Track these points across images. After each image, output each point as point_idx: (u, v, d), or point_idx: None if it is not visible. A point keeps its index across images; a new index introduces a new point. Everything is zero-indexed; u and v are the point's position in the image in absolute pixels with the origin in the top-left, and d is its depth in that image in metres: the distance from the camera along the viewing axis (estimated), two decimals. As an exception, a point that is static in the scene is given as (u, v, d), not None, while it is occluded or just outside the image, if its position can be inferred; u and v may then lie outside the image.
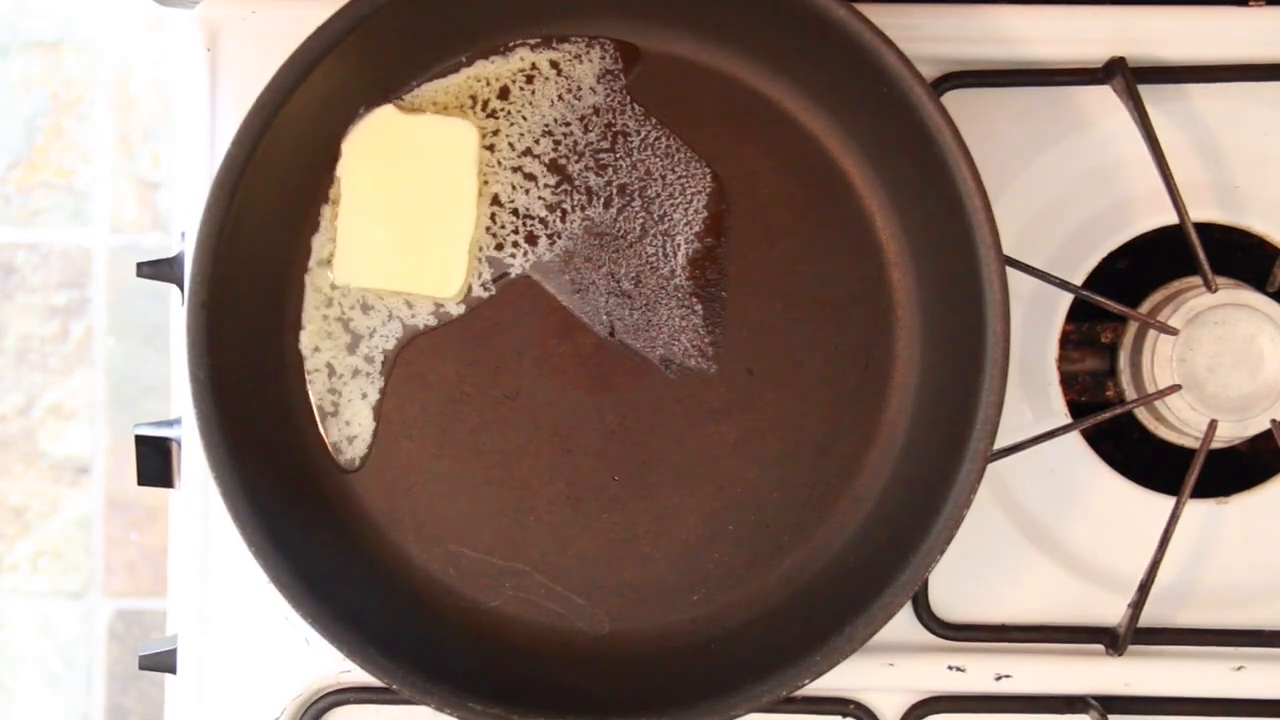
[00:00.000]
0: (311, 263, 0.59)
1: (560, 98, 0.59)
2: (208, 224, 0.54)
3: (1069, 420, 0.61)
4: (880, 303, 0.59)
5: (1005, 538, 0.62)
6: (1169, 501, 0.59)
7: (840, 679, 0.58)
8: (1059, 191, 0.62)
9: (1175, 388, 0.58)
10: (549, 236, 0.59)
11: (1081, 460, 0.62)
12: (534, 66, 0.59)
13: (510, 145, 0.59)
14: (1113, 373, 0.64)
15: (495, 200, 0.59)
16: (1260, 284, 0.62)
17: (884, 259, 0.59)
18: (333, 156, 0.58)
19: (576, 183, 0.59)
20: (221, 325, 0.55)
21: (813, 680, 0.54)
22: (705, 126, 0.59)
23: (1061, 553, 0.62)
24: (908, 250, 0.59)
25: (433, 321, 0.59)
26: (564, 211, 0.59)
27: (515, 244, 0.59)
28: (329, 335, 0.59)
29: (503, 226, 0.59)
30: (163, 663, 0.62)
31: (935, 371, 0.58)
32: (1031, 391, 0.62)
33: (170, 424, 0.64)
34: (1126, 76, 0.59)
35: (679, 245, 0.59)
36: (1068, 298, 0.62)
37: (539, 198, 0.59)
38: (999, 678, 0.61)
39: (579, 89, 0.59)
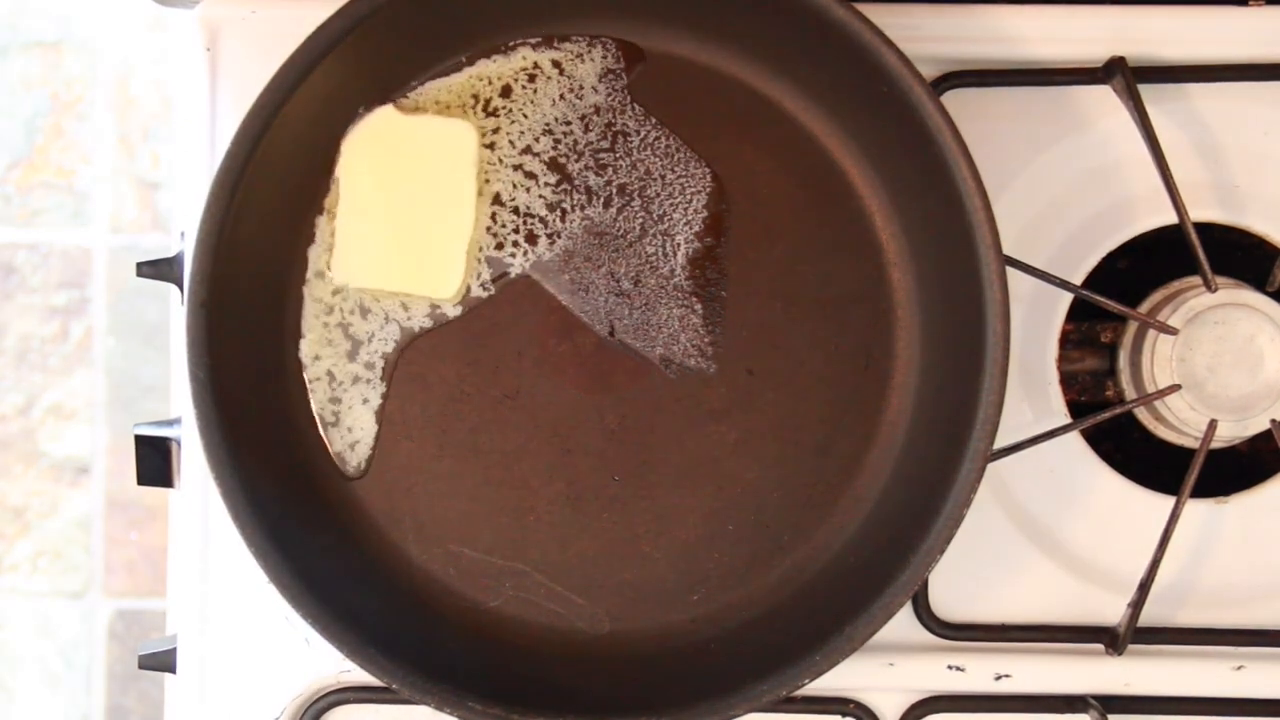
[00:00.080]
0: (310, 273, 0.59)
1: (562, 97, 0.59)
2: (208, 224, 0.54)
3: (1069, 420, 0.61)
4: (880, 303, 0.59)
5: (1005, 538, 0.62)
6: (1169, 501, 0.59)
7: (840, 679, 0.58)
8: (1059, 191, 0.62)
9: (1175, 388, 0.58)
10: (549, 236, 0.59)
11: (1081, 460, 0.62)
12: (536, 65, 0.59)
13: (510, 143, 0.59)
14: (1113, 372, 0.64)
15: (496, 199, 0.59)
16: (1260, 284, 0.62)
17: (884, 259, 0.59)
18: (332, 156, 0.58)
19: (576, 182, 0.59)
20: (221, 325, 0.55)
21: (813, 680, 0.54)
22: (705, 126, 0.59)
23: (1061, 553, 0.62)
24: (908, 250, 0.59)
25: (428, 324, 0.59)
26: (564, 211, 0.59)
27: (515, 243, 0.59)
28: (329, 343, 0.59)
29: (503, 226, 0.59)
30: (163, 663, 0.62)
31: (935, 371, 0.58)
32: (1031, 391, 0.62)
33: (170, 424, 0.64)
34: (1126, 76, 0.59)
35: (679, 245, 0.59)
36: (1068, 297, 0.62)
37: (539, 196, 0.59)
38: (999, 677, 0.61)
39: (580, 88, 0.59)
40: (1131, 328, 0.62)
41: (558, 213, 0.59)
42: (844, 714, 0.61)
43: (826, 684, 0.56)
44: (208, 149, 0.61)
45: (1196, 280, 0.60)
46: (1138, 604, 0.59)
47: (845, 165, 0.59)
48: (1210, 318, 0.58)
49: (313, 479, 0.59)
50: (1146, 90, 0.59)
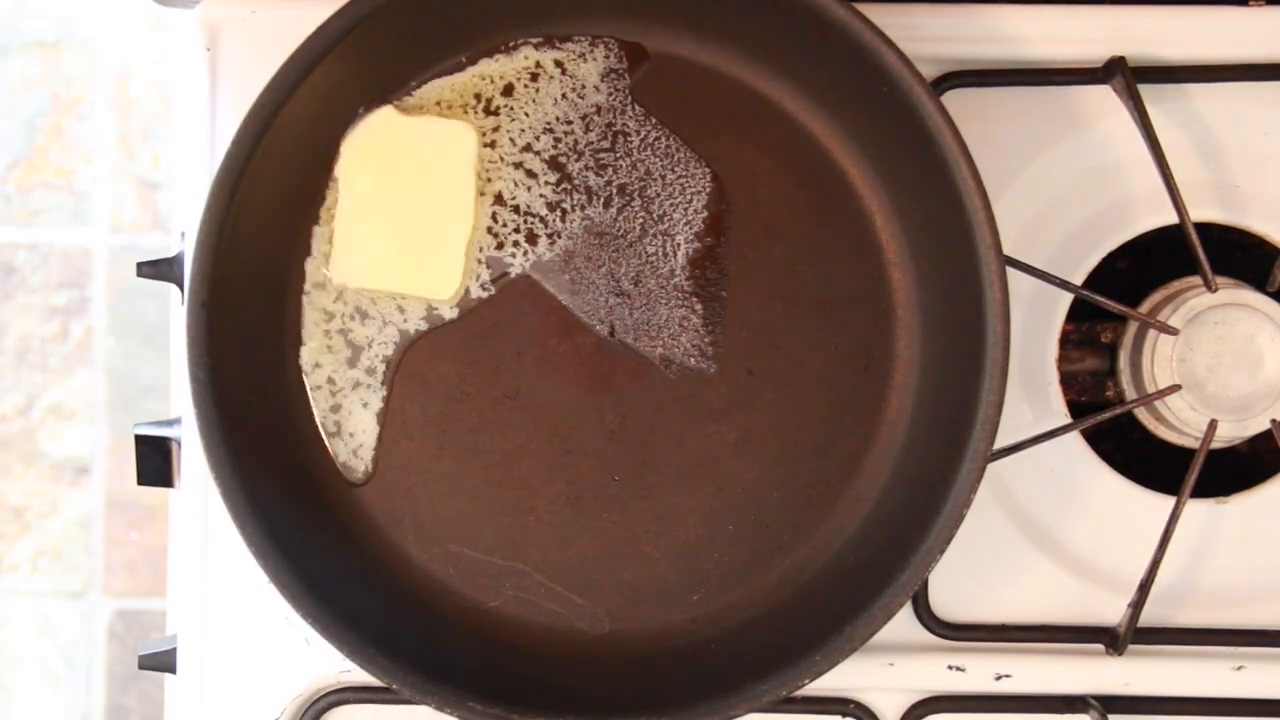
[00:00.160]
0: (309, 285, 0.59)
1: (564, 96, 0.59)
2: (208, 224, 0.54)
3: (1069, 420, 0.61)
4: (880, 303, 0.59)
5: (1005, 538, 0.62)
6: (1169, 501, 0.59)
7: (840, 679, 0.58)
8: (1059, 191, 0.62)
9: (1175, 388, 0.58)
10: (549, 236, 0.59)
11: (1081, 460, 0.62)
12: (538, 65, 0.59)
13: (511, 140, 0.59)
14: (1113, 373, 0.64)
15: (498, 198, 0.59)
16: (1260, 284, 0.62)
17: (884, 259, 0.59)
18: (332, 157, 0.58)
19: (576, 182, 0.59)
20: (221, 325, 0.55)
21: (813, 680, 0.54)
22: (705, 126, 0.59)
23: (1061, 553, 0.62)
24: (908, 250, 0.59)
25: (424, 326, 0.59)
26: (564, 211, 0.59)
27: (516, 243, 0.59)
28: (330, 350, 0.59)
29: (504, 225, 0.59)
30: (163, 663, 0.62)
31: (935, 371, 0.58)
32: (1031, 391, 0.62)
33: (170, 424, 0.64)
34: (1126, 76, 0.59)
35: (679, 245, 0.59)
36: (1068, 298, 0.62)
37: (540, 195, 0.59)
38: (999, 677, 0.61)
39: (582, 87, 0.59)
40: (1131, 328, 0.62)
41: (558, 212, 0.59)
42: (844, 714, 0.61)
43: (826, 684, 0.56)
44: (208, 149, 0.61)
45: (1196, 280, 0.60)
46: (1138, 604, 0.59)
47: (845, 165, 0.59)
48: (1210, 318, 0.58)
49: (313, 479, 0.59)
50: (1146, 90, 0.59)
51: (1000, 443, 0.55)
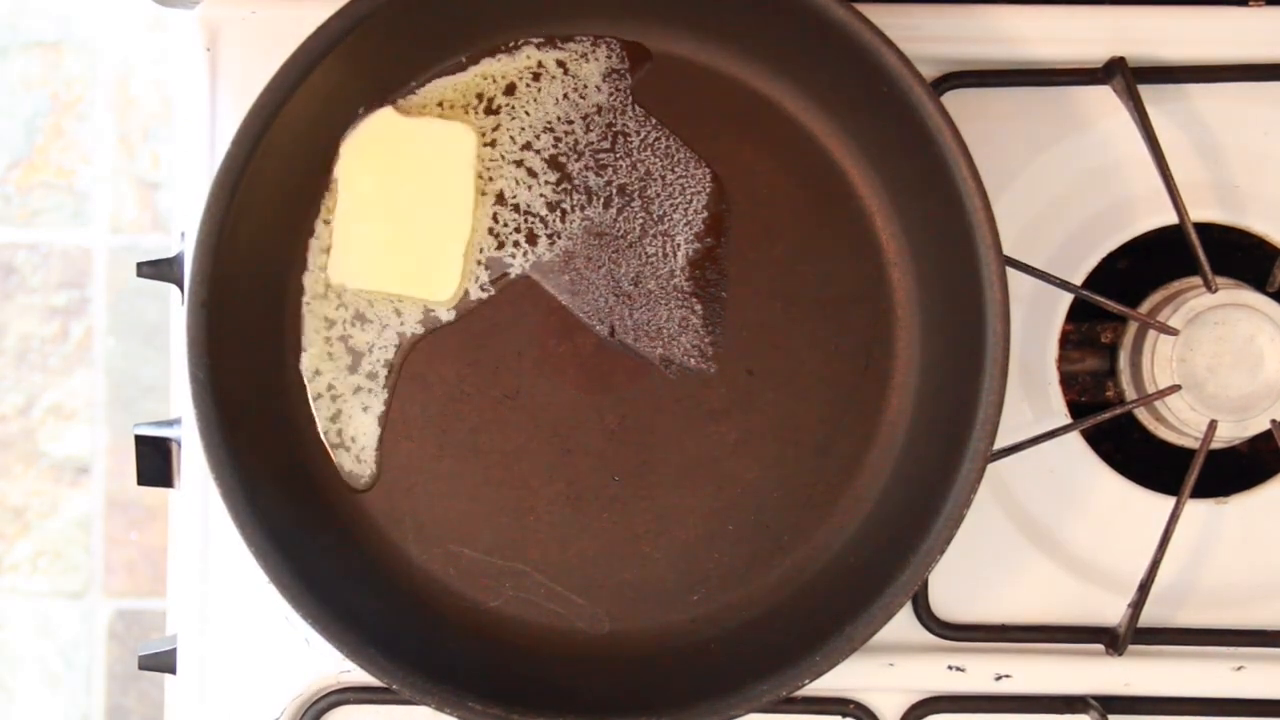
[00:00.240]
0: (308, 297, 0.59)
1: (565, 96, 0.59)
2: (208, 224, 0.54)
3: (1069, 420, 0.61)
4: (880, 303, 0.59)
5: (1005, 538, 0.62)
6: (1169, 501, 0.59)
7: (840, 679, 0.58)
8: (1059, 191, 0.62)
9: (1175, 388, 0.58)
10: (549, 236, 0.59)
11: (1081, 460, 0.62)
12: (540, 64, 0.59)
13: (511, 138, 0.59)
14: (1113, 373, 0.64)
15: (499, 197, 0.59)
16: (1260, 284, 0.62)
17: (884, 259, 0.59)
18: (332, 157, 0.58)
19: (576, 182, 0.59)
20: (221, 325, 0.55)
21: (813, 680, 0.54)
22: (705, 126, 0.59)
23: (1061, 553, 0.62)
24: (908, 250, 0.59)
25: (420, 330, 0.59)
26: (564, 211, 0.59)
27: (516, 243, 0.59)
28: (330, 358, 0.59)
29: (505, 225, 0.59)
30: (163, 663, 0.62)
31: (935, 371, 0.58)
32: (1031, 391, 0.62)
33: (170, 424, 0.64)
34: (1126, 76, 0.59)
35: (679, 245, 0.59)
36: (1068, 298, 0.62)
37: (540, 195, 0.59)
38: (999, 678, 0.61)
39: (584, 87, 0.59)
40: (1132, 328, 0.62)
41: (558, 213, 0.59)
42: (844, 714, 0.61)
43: (826, 684, 0.56)
44: (208, 149, 0.61)
45: (1196, 280, 0.60)
46: (1138, 604, 0.59)
47: (845, 165, 0.59)
48: (1210, 318, 0.58)
49: (313, 479, 0.59)
50: (1146, 90, 0.59)
51: (1000, 443, 0.55)
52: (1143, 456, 0.64)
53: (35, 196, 1.34)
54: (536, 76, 0.59)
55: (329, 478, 0.59)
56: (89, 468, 1.34)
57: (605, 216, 0.59)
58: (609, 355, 0.59)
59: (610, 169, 0.59)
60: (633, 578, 0.59)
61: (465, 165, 0.59)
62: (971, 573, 0.61)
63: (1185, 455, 0.62)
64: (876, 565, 0.56)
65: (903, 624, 0.61)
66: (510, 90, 0.59)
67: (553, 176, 0.59)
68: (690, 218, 0.59)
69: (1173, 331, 0.59)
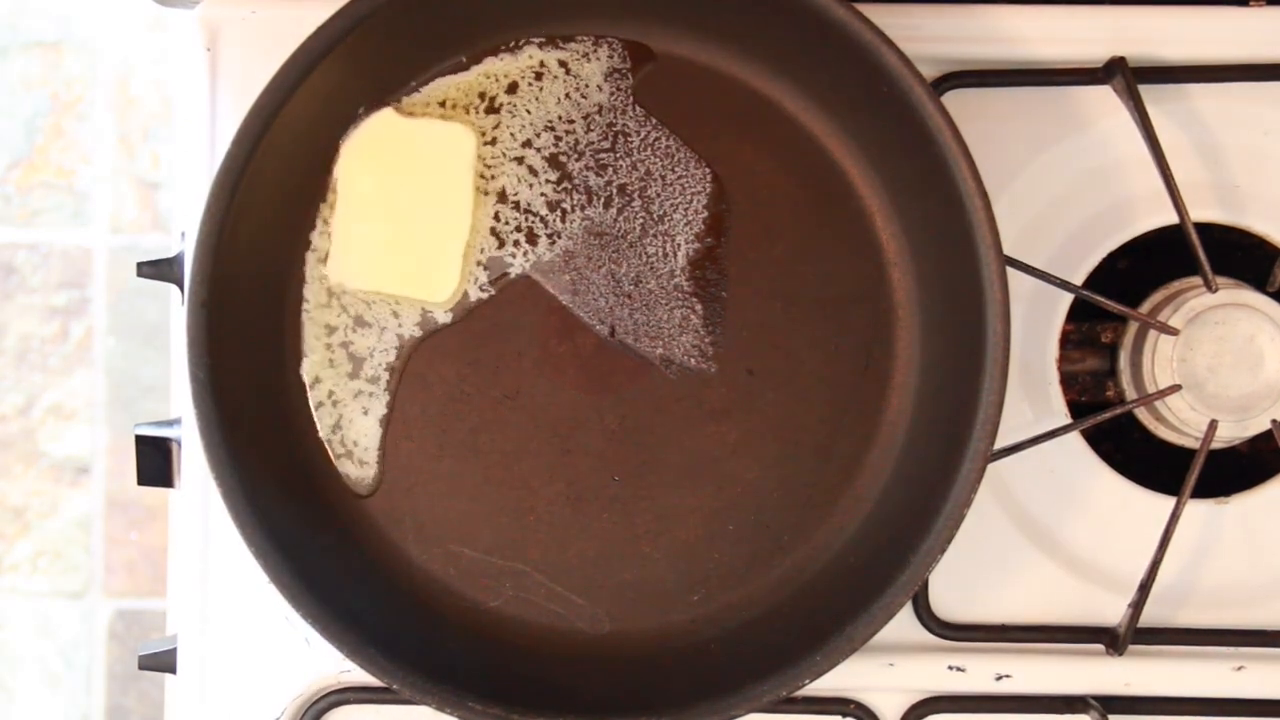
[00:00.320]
0: (309, 306, 0.59)
1: (567, 95, 0.59)
2: (208, 224, 0.54)
3: (1069, 420, 0.61)
4: (880, 303, 0.59)
5: (1005, 538, 0.62)
6: (1169, 501, 0.59)
7: (840, 679, 0.58)
8: (1059, 191, 0.62)
9: (1175, 388, 0.58)
10: (549, 236, 0.59)
11: (1081, 460, 0.62)
12: (543, 64, 0.59)
13: (512, 135, 0.59)
14: (1113, 373, 0.64)
15: (501, 195, 0.59)
16: (1260, 284, 0.62)
17: (884, 259, 0.59)
18: (332, 157, 0.58)
19: (576, 181, 0.59)
20: (221, 325, 0.55)
21: (813, 680, 0.54)
22: (705, 126, 0.59)
23: (1061, 553, 0.62)
24: (908, 250, 0.59)
25: (418, 332, 0.59)
26: (564, 211, 0.59)
27: (516, 242, 0.59)
28: (331, 364, 0.59)
29: (506, 223, 0.59)
30: (163, 663, 0.62)
31: (935, 371, 0.58)
32: (1031, 391, 0.62)
33: (170, 424, 0.64)
34: (1126, 76, 0.59)
35: (679, 245, 0.59)
36: (1068, 298, 0.62)
37: (540, 194, 0.59)
38: (999, 678, 0.61)
39: (585, 87, 0.59)
40: (1132, 328, 0.62)
41: (558, 212, 0.59)
42: (844, 714, 0.61)
43: (826, 684, 0.56)
44: (208, 149, 0.61)
45: (1197, 280, 0.60)
46: (1138, 604, 0.59)
47: (845, 165, 0.59)
48: (1210, 318, 0.58)
49: (313, 479, 0.59)
50: (1146, 90, 0.59)
51: (1000, 443, 0.55)
52: (1143, 456, 0.64)
53: (35, 196, 1.34)
54: (539, 76, 0.59)
55: (329, 478, 0.59)
56: (89, 468, 1.34)
57: (605, 216, 0.59)
58: (609, 355, 0.59)
59: (610, 169, 0.59)
60: (633, 578, 0.59)
61: (465, 166, 0.59)
62: (971, 573, 0.61)
63: (1185, 455, 0.62)
64: (876, 565, 0.56)
65: (903, 624, 0.61)
66: (513, 89, 0.59)
67: (553, 175, 0.59)
68: (690, 218, 0.59)
69: (1173, 331, 0.59)
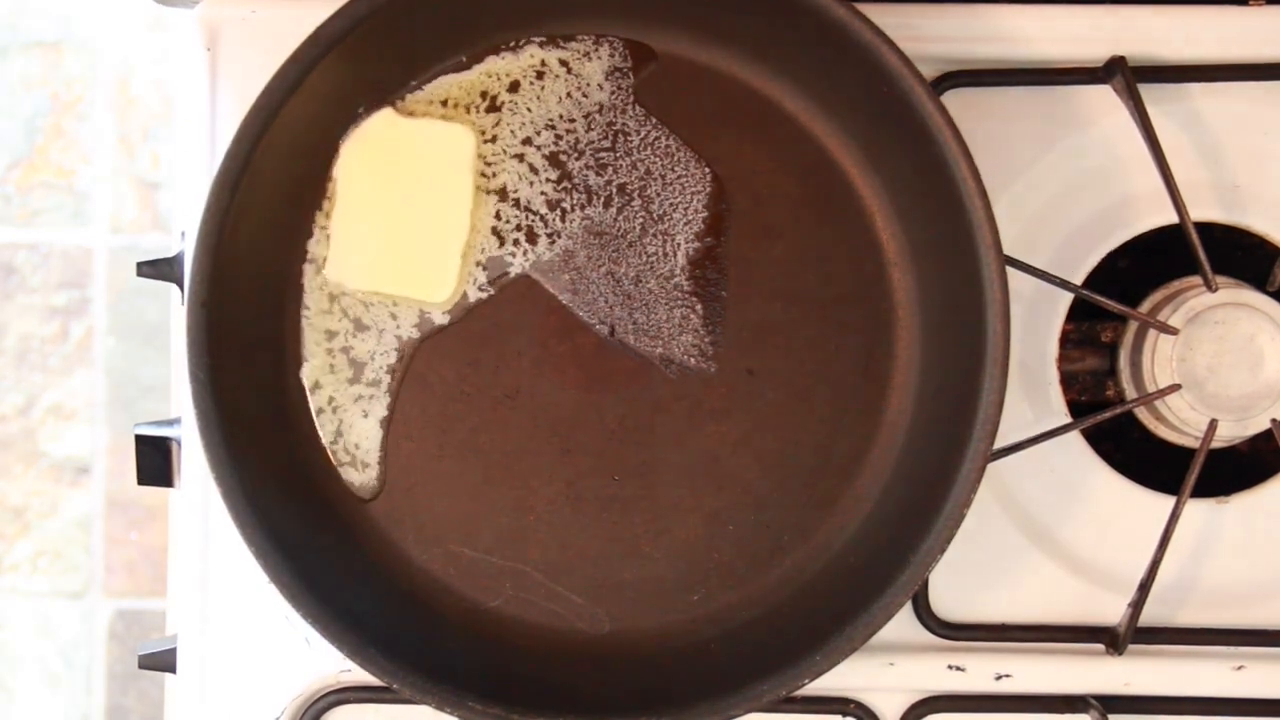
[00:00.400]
0: (310, 312, 0.59)
1: (569, 94, 0.59)
2: (208, 224, 0.54)
3: (1069, 420, 0.61)
4: (880, 303, 0.59)
5: (1005, 538, 0.62)
6: (1169, 501, 0.59)
7: (840, 679, 0.58)
8: (1059, 191, 0.62)
9: (1175, 387, 0.58)
10: (549, 235, 0.59)
11: (1081, 460, 0.62)
12: (544, 63, 0.59)
13: (512, 133, 0.59)
14: (1113, 372, 0.64)
15: (501, 193, 0.59)
16: (1260, 284, 0.62)
17: (884, 259, 0.59)
18: (332, 157, 0.58)
19: (576, 181, 0.59)
20: (221, 325, 0.55)
21: (813, 680, 0.54)
22: (705, 126, 0.59)
23: (1061, 553, 0.62)
24: (908, 250, 0.59)
25: (416, 334, 0.59)
26: (564, 210, 0.59)
27: (516, 241, 0.59)
28: (332, 370, 0.59)
29: (506, 222, 0.59)
30: (163, 663, 0.62)
31: (935, 371, 0.58)
32: (1031, 391, 0.62)
33: (170, 424, 0.64)
34: (1126, 76, 0.59)
35: (679, 245, 0.59)
36: (1068, 297, 0.62)
37: (540, 193, 0.59)
38: (999, 677, 0.61)
39: (586, 86, 0.59)
40: (1132, 328, 0.62)
41: (558, 212, 0.59)
42: (844, 714, 0.61)
43: (826, 684, 0.56)
44: (208, 149, 0.61)
45: (1197, 280, 0.60)
46: (1138, 604, 0.59)
47: (845, 165, 0.59)
48: (1210, 317, 0.58)
49: (313, 479, 0.59)
50: (1146, 90, 0.59)
51: (1000, 443, 0.55)
52: (1143, 456, 0.64)
53: (35, 196, 1.34)
54: (540, 75, 0.59)
55: (329, 478, 0.59)
56: (89, 468, 1.34)
57: (605, 215, 0.59)
58: (609, 355, 0.59)
59: (611, 168, 0.59)
60: (633, 578, 0.59)
61: (464, 167, 0.59)
62: (971, 573, 0.61)
63: (1185, 455, 0.61)
64: (876, 565, 0.56)
65: (903, 624, 0.61)
66: (514, 88, 0.59)
67: (553, 174, 0.59)
68: (690, 217, 0.59)
69: (1173, 331, 0.59)
